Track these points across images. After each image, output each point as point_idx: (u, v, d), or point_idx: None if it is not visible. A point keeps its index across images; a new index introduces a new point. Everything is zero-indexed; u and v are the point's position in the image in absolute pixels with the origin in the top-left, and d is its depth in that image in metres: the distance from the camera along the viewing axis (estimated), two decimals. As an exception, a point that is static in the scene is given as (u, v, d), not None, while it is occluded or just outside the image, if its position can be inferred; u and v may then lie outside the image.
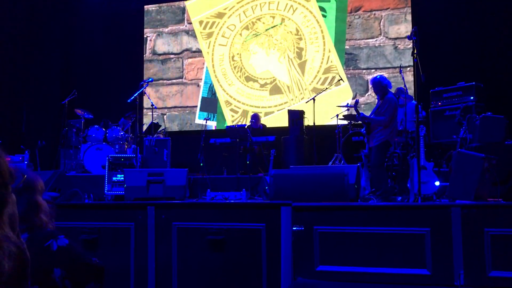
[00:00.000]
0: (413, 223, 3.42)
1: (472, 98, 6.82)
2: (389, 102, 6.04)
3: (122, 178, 6.69)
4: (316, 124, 7.98)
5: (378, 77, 6.36)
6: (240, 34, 10.42)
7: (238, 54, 10.35)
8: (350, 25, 9.72)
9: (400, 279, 3.36)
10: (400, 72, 6.76)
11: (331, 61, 9.69)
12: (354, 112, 6.69)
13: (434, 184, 5.80)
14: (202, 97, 10.53)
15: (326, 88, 8.03)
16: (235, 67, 10.39)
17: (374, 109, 6.37)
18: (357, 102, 6.52)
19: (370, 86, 6.55)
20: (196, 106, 10.56)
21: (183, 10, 10.92)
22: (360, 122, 7.18)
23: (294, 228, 3.54)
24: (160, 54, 10.99)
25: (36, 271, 1.59)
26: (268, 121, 9.73)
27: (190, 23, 10.83)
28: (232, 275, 3.66)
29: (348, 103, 7.37)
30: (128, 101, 7.21)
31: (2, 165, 1.07)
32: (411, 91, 8.23)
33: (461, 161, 4.30)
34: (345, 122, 8.14)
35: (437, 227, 3.37)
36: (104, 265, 2.04)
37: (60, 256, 1.87)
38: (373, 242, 3.45)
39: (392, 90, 6.70)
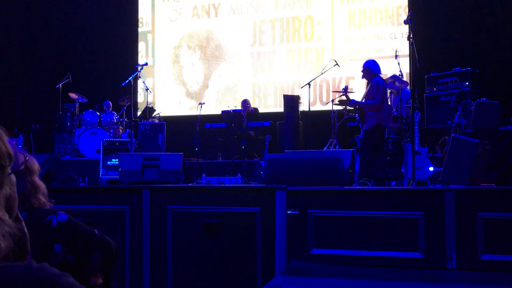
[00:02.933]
0: (407, 207, 3.44)
1: (467, 83, 6.82)
2: (377, 85, 6.08)
3: (116, 163, 6.69)
4: (311, 109, 7.97)
5: (365, 62, 6.41)
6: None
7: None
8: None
9: (393, 262, 3.39)
10: (396, 57, 6.76)
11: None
12: (345, 98, 6.73)
13: (428, 169, 5.84)
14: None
15: (322, 73, 7.99)
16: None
17: (364, 94, 6.43)
18: (345, 88, 6.53)
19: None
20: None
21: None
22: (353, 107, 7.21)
23: (288, 212, 3.55)
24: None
25: (36, 247, 1.59)
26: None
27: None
28: (227, 258, 3.68)
29: (342, 88, 7.38)
30: (123, 84, 7.18)
31: (0, 146, 1.06)
32: (406, 77, 8.22)
33: (455, 146, 4.32)
34: (340, 107, 8.14)
35: (430, 211, 3.39)
36: (104, 236, 2.04)
37: (60, 232, 1.87)
38: (367, 226, 3.47)
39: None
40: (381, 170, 6.01)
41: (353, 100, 6.45)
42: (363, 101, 6.29)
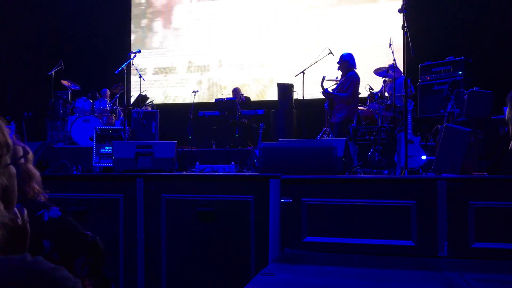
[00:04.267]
0: (399, 196, 3.47)
1: (460, 72, 6.84)
2: (351, 79, 6.51)
3: (110, 150, 6.66)
4: (305, 98, 7.97)
5: (344, 55, 6.70)
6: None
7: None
8: None
9: (385, 250, 3.42)
10: (390, 46, 6.77)
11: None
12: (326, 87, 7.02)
13: (421, 158, 5.87)
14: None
15: (316, 61, 7.97)
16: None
17: (337, 86, 6.76)
18: (323, 78, 6.77)
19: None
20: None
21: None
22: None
23: (282, 200, 3.57)
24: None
25: None
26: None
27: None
28: (221, 246, 3.70)
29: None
30: (116, 72, 7.13)
31: None
32: (400, 66, 8.22)
33: (448, 135, 4.35)
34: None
35: (423, 199, 3.42)
36: (96, 239, 1.97)
37: (50, 228, 1.82)
38: (360, 214, 3.50)
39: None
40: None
41: (327, 90, 6.78)
42: (335, 92, 6.66)
